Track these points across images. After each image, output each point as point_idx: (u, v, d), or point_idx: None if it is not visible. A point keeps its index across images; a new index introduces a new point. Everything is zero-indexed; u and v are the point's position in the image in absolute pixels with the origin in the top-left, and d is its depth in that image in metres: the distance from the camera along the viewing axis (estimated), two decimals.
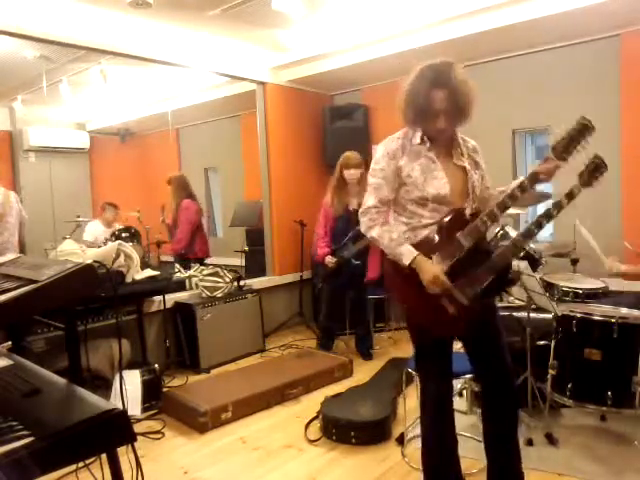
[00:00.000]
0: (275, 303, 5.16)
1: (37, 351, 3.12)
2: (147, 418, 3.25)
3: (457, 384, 3.20)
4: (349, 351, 4.40)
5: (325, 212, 4.23)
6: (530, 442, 2.64)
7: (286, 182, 5.30)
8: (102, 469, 1.33)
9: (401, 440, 2.78)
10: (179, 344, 4.21)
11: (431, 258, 1.92)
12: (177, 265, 4.73)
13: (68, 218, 5.46)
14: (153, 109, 6.51)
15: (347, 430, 2.82)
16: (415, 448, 2.60)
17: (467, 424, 2.91)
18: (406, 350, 4.21)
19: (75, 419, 1.13)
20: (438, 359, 2.05)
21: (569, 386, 2.66)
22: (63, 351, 1.82)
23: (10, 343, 1.93)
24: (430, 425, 2.09)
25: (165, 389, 3.56)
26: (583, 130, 1.86)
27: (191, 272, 4.49)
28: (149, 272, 3.73)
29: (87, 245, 4.42)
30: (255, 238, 5.70)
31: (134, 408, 3.23)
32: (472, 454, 2.55)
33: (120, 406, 1.21)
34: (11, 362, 1.51)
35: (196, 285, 4.37)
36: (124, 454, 1.24)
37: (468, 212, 1.98)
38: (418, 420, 2.17)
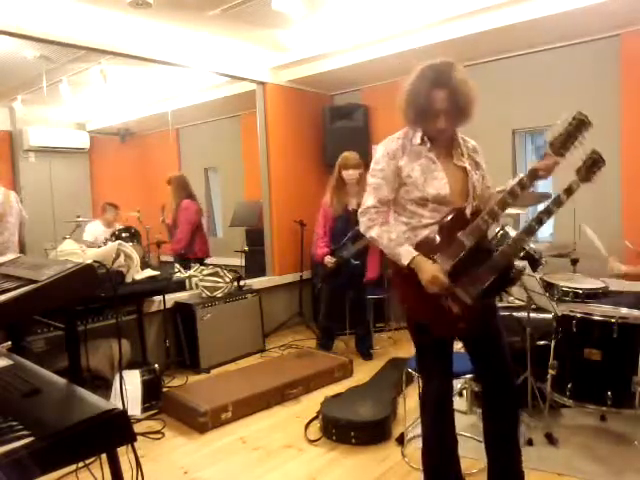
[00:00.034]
0: (275, 303, 5.16)
1: (37, 351, 3.12)
2: (147, 418, 3.25)
3: (457, 384, 3.20)
4: (349, 351, 4.40)
5: (324, 212, 4.23)
6: (530, 442, 2.64)
7: (286, 182, 5.30)
8: (102, 469, 1.33)
9: (401, 440, 2.78)
10: (179, 344, 4.21)
11: (432, 258, 1.92)
12: (177, 265, 4.73)
13: (68, 218, 5.46)
14: (153, 109, 6.51)
15: (347, 430, 2.82)
16: (415, 448, 2.60)
17: (467, 424, 2.91)
18: (406, 350, 4.22)
19: (75, 419, 1.13)
20: (439, 359, 2.05)
21: (569, 386, 2.66)
22: (63, 351, 1.82)
23: (10, 343, 1.93)
24: (430, 425, 2.09)
25: (165, 389, 3.56)
26: (580, 125, 1.86)
27: (191, 272, 4.49)
28: (149, 272, 3.73)
29: (87, 245, 4.42)
30: (255, 238, 5.70)
31: (134, 408, 3.23)
32: (472, 454, 2.55)
33: (120, 406, 1.21)
34: (11, 362, 1.51)
35: (196, 285, 4.37)
36: (124, 454, 1.24)
37: (469, 211, 1.98)
38: (418, 420, 2.18)
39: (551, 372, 2.69)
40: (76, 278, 1.45)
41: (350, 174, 4.06)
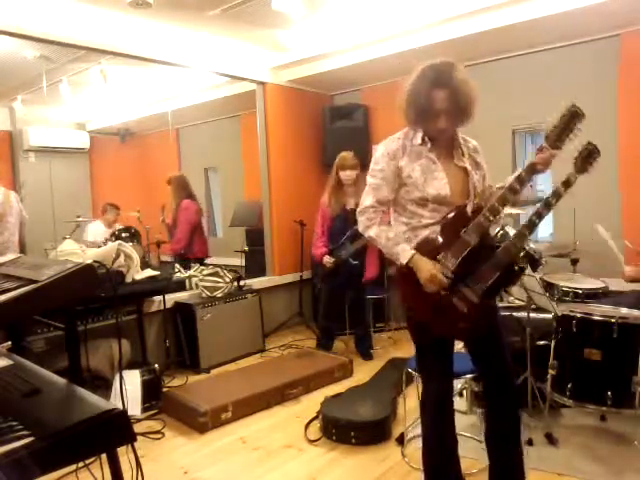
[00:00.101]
0: (275, 303, 5.16)
1: (37, 351, 3.12)
2: (147, 418, 3.25)
3: (457, 384, 3.20)
4: (349, 351, 4.40)
5: (322, 212, 4.23)
6: (530, 442, 2.64)
7: (286, 182, 5.30)
8: (102, 469, 1.33)
9: (401, 440, 2.78)
10: (179, 344, 4.21)
11: (435, 258, 1.92)
12: (177, 265, 4.73)
13: (68, 218, 5.46)
14: (153, 109, 6.51)
15: (347, 430, 2.82)
16: (415, 448, 2.61)
17: (467, 424, 2.91)
18: (406, 350, 4.22)
19: (75, 419, 1.13)
20: (439, 359, 2.05)
21: (569, 386, 2.66)
22: (63, 351, 1.82)
23: (10, 343, 1.93)
24: (430, 425, 2.09)
25: (165, 389, 3.56)
26: (573, 117, 1.87)
27: (191, 272, 4.49)
28: (149, 272, 3.73)
29: (90, 246, 4.43)
30: (255, 238, 5.70)
31: (134, 408, 3.23)
32: (472, 454, 2.55)
33: (120, 406, 1.21)
34: (11, 362, 1.51)
35: (196, 285, 4.37)
36: (124, 454, 1.24)
37: (470, 209, 1.98)
38: (418, 420, 2.18)
39: (551, 372, 2.69)
40: (76, 278, 1.45)
41: (348, 174, 4.07)
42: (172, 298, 4.21)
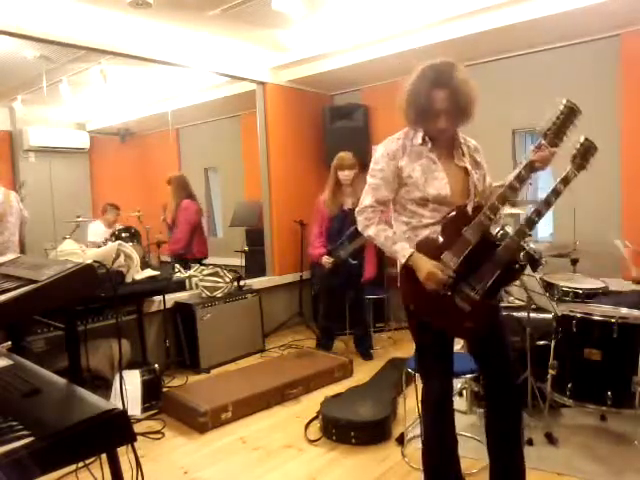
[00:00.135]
0: (275, 303, 5.16)
1: (37, 351, 3.12)
2: (147, 418, 3.25)
3: (457, 384, 3.20)
4: (349, 351, 4.40)
5: (320, 212, 4.23)
6: (530, 442, 2.64)
7: (286, 182, 5.30)
8: (102, 469, 1.33)
9: (401, 440, 2.78)
10: (179, 344, 4.21)
11: (436, 257, 1.92)
12: (177, 265, 4.73)
13: (68, 218, 5.46)
14: (153, 109, 6.51)
15: (347, 430, 2.82)
16: (415, 448, 2.60)
17: (467, 424, 2.91)
18: (406, 350, 4.22)
19: (75, 419, 1.13)
20: (439, 359, 2.05)
21: (569, 386, 2.66)
22: (63, 351, 1.82)
23: (10, 343, 1.93)
24: (430, 425, 2.09)
25: (165, 389, 3.56)
26: (570, 114, 1.88)
27: (191, 272, 4.49)
28: (149, 272, 3.73)
29: (91, 246, 4.43)
30: (255, 238, 5.70)
31: (134, 408, 3.23)
32: (472, 454, 2.55)
33: (120, 406, 1.21)
34: (11, 362, 1.51)
35: (196, 285, 4.37)
36: (124, 454, 1.24)
37: (470, 208, 1.98)
38: (418, 420, 2.17)
39: (551, 372, 2.69)
40: (76, 278, 1.45)
41: (346, 175, 4.07)
42: (172, 298, 4.21)
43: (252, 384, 3.44)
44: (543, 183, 3.75)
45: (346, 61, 4.67)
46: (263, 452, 2.81)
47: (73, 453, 1.12)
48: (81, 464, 1.29)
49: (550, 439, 2.68)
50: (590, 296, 3.11)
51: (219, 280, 4.42)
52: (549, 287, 3.11)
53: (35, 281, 1.43)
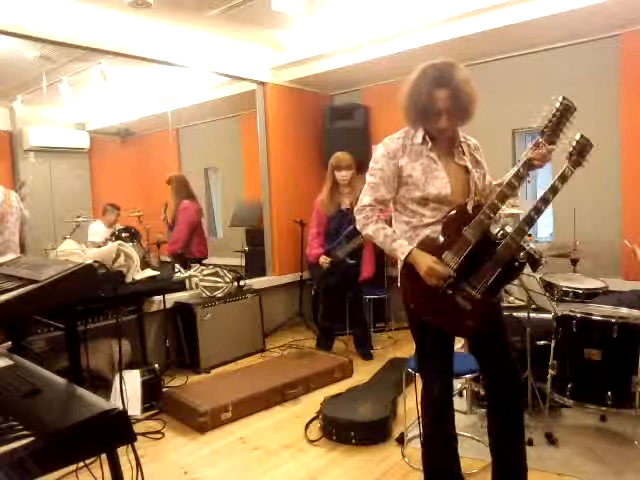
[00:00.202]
0: (275, 303, 5.16)
1: (37, 351, 3.12)
2: (147, 418, 3.24)
3: (457, 384, 3.20)
4: (349, 351, 4.40)
5: (317, 212, 4.23)
6: (530, 442, 2.64)
7: (286, 182, 5.30)
8: (102, 469, 1.33)
9: (401, 440, 2.78)
10: (179, 344, 4.21)
11: (437, 257, 1.92)
12: (177, 265, 4.73)
13: (68, 218, 5.46)
14: (153, 109, 6.51)
15: (347, 430, 2.82)
16: (415, 448, 2.60)
17: (467, 424, 2.91)
18: (406, 350, 4.22)
19: (75, 419, 1.13)
20: (439, 358, 2.06)
21: (569, 386, 2.66)
22: (63, 351, 1.82)
23: (10, 343, 1.93)
24: (430, 425, 2.09)
25: (165, 389, 3.56)
26: (566, 111, 1.89)
27: (191, 272, 4.48)
28: (149, 272, 3.73)
29: (91, 246, 4.43)
30: (255, 238, 5.70)
31: (134, 408, 3.23)
32: (472, 454, 2.55)
33: (120, 406, 1.20)
34: (11, 362, 1.51)
35: (196, 285, 4.37)
36: (124, 454, 1.24)
37: (470, 207, 1.99)
38: (418, 420, 2.17)
39: (551, 372, 2.69)
40: (76, 278, 1.46)
41: (343, 175, 4.07)
42: (172, 298, 4.20)
43: (252, 384, 3.44)
44: (543, 182, 3.76)
45: (346, 61, 4.67)
46: (263, 452, 2.81)
47: (73, 453, 1.12)
48: (81, 464, 1.29)
49: (550, 439, 2.68)
50: (590, 296, 3.12)
51: (219, 280, 4.42)
52: (549, 287, 3.11)
53: (35, 281, 1.43)
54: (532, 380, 2.79)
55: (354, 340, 4.41)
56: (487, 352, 2.10)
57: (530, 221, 1.98)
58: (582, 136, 1.99)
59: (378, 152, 2.04)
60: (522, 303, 2.96)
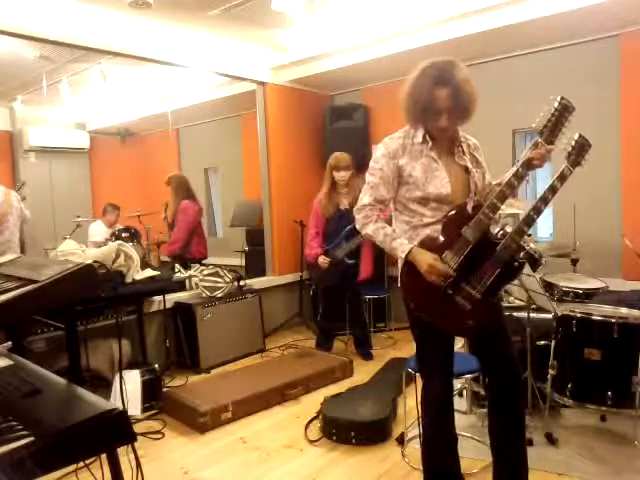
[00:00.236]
0: (275, 303, 5.16)
1: (37, 351, 3.12)
2: (147, 418, 3.24)
3: (457, 384, 3.20)
4: (349, 351, 4.40)
5: (316, 213, 4.23)
6: (530, 442, 2.63)
7: (286, 182, 5.30)
8: (102, 469, 1.33)
9: (401, 440, 2.78)
10: (179, 344, 4.21)
11: (440, 257, 1.92)
12: (177, 265, 4.73)
13: (68, 218, 5.46)
14: (153, 109, 6.51)
15: (347, 430, 2.82)
16: (415, 448, 2.60)
17: (467, 424, 2.91)
18: (406, 350, 4.22)
19: (75, 419, 1.13)
20: (440, 358, 2.06)
21: (569, 386, 2.66)
22: (63, 351, 1.82)
23: (10, 343, 1.93)
24: (431, 425, 2.09)
25: (165, 389, 3.56)
26: (564, 111, 1.90)
27: (191, 272, 4.49)
28: (149, 272, 3.73)
29: (92, 246, 4.43)
30: (255, 238, 5.71)
31: (134, 408, 3.23)
32: (472, 454, 2.55)
33: (120, 406, 1.21)
34: (11, 362, 1.51)
35: (196, 285, 4.37)
36: (124, 454, 1.24)
37: (470, 207, 1.99)
38: (418, 420, 2.17)
39: (551, 372, 2.69)
40: (76, 278, 1.46)
41: (341, 175, 4.07)
42: (172, 298, 4.20)
43: (252, 384, 3.44)
44: (543, 182, 3.75)
45: (346, 61, 4.67)
46: (263, 452, 2.81)
47: (73, 453, 1.12)
48: (81, 464, 1.29)
49: (550, 439, 2.68)
50: (590, 296, 3.11)
51: (219, 280, 4.42)
52: (549, 287, 3.11)
53: (35, 281, 1.43)
54: (532, 380, 2.79)
55: (354, 340, 4.41)
56: (488, 352, 2.09)
57: (530, 221, 1.98)
58: (580, 136, 2.00)
59: (378, 152, 2.04)
60: (522, 303, 2.96)
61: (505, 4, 3.66)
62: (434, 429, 2.09)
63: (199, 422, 3.03)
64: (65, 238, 4.13)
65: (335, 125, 5.32)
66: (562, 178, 1.97)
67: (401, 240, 1.97)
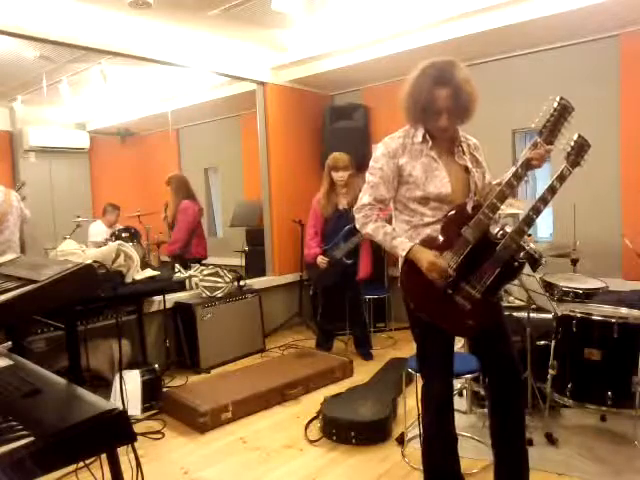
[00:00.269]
0: (275, 303, 5.16)
1: (37, 351, 3.12)
2: (147, 418, 3.24)
3: (457, 384, 3.20)
4: (349, 351, 4.40)
5: (314, 213, 4.23)
6: (530, 442, 2.63)
7: (286, 182, 5.30)
8: (102, 469, 1.33)
9: (401, 440, 2.78)
10: (179, 344, 4.21)
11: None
12: (177, 265, 4.73)
13: (68, 218, 5.46)
14: (153, 109, 6.51)
15: (347, 430, 2.82)
16: (415, 448, 2.60)
17: (467, 424, 2.91)
18: (406, 350, 4.22)
19: (75, 419, 1.13)
20: (440, 358, 2.06)
21: (569, 386, 2.66)
22: (63, 351, 1.82)
23: (10, 343, 1.93)
24: (431, 425, 2.09)
25: (165, 389, 3.56)
26: (564, 111, 1.91)
27: (191, 272, 4.49)
28: (149, 272, 3.73)
29: (92, 246, 4.43)
30: (255, 238, 5.70)
31: (134, 408, 3.23)
32: (472, 454, 2.55)
33: (120, 406, 1.21)
34: (11, 362, 1.51)
35: (196, 285, 4.37)
36: (124, 454, 1.24)
37: (470, 207, 1.99)
38: (418, 420, 2.17)
39: (551, 372, 2.69)
40: (76, 278, 1.46)
41: (340, 175, 4.07)
42: (172, 298, 4.20)
43: (252, 384, 3.44)
44: (543, 182, 3.75)
45: (346, 61, 4.67)
46: (263, 452, 2.81)
47: (73, 453, 1.12)
48: (81, 464, 1.29)
49: (550, 439, 2.68)
50: (590, 296, 3.11)
51: (219, 280, 4.42)
52: (549, 287, 3.11)
53: (35, 281, 1.43)
54: (532, 380, 2.79)
55: (354, 340, 4.41)
56: (488, 352, 2.10)
57: (529, 221, 1.98)
58: (580, 136, 2.00)
59: (378, 151, 2.04)
60: (522, 303, 2.96)
61: (505, 4, 3.66)
62: (434, 429, 2.09)
63: (199, 422, 3.03)
64: (65, 238, 4.13)
65: (335, 125, 5.32)
66: (561, 178, 1.97)
67: (401, 239, 1.97)
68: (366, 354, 4.28)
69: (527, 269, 2.69)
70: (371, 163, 2.05)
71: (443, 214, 1.98)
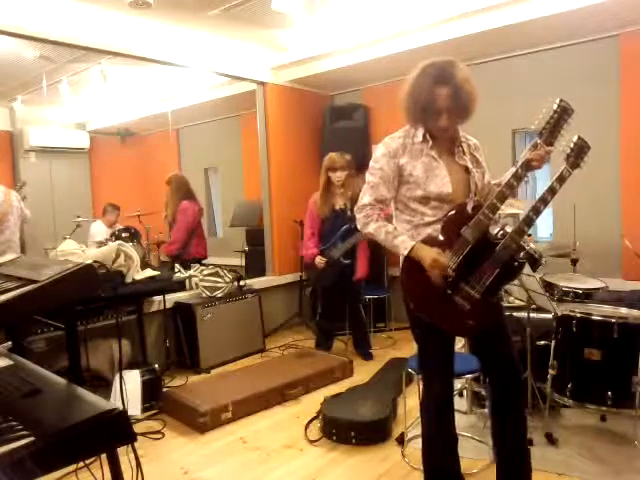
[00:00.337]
0: (275, 303, 5.16)
1: (37, 351, 3.12)
2: (147, 418, 3.24)
3: (457, 384, 3.20)
4: (349, 351, 4.40)
5: (311, 213, 4.24)
6: (530, 442, 2.63)
7: (286, 182, 5.30)
8: (102, 469, 1.33)
9: (401, 440, 2.78)
10: (179, 344, 4.21)
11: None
12: (177, 265, 4.73)
13: (68, 218, 5.46)
14: (153, 109, 6.51)
15: (347, 430, 2.82)
16: (415, 448, 2.60)
17: (467, 424, 2.91)
18: (406, 350, 4.22)
19: (75, 419, 1.13)
20: (440, 358, 2.05)
21: (569, 386, 2.66)
22: (63, 351, 1.82)
23: (10, 343, 1.93)
24: (431, 424, 2.09)
25: (165, 389, 3.56)
26: (563, 113, 1.91)
27: (191, 272, 4.49)
28: (149, 272, 3.73)
29: (92, 246, 4.43)
30: (255, 238, 5.70)
31: (134, 408, 3.23)
32: (472, 454, 2.55)
33: (120, 406, 1.21)
34: (11, 362, 1.51)
35: (196, 285, 4.37)
36: (124, 454, 1.24)
37: (470, 207, 1.99)
38: (418, 420, 2.18)
39: (551, 372, 2.69)
40: (76, 278, 1.46)
41: (337, 176, 4.07)
42: (172, 298, 4.20)
43: (252, 384, 3.44)
44: (542, 183, 3.75)
45: (346, 61, 4.67)
46: (263, 452, 2.81)
47: (73, 453, 1.12)
48: (81, 464, 1.29)
49: (550, 439, 2.68)
50: (590, 296, 3.12)
51: (219, 280, 4.42)
52: (549, 287, 3.11)
53: (35, 281, 1.43)
54: (532, 380, 2.80)
55: (353, 340, 4.41)
56: (489, 352, 2.10)
57: (529, 221, 1.98)
58: (579, 138, 2.00)
59: (378, 151, 2.04)
60: (522, 303, 2.96)
61: (505, 4, 3.66)
62: (434, 429, 2.09)
63: (199, 422, 3.03)
64: (65, 238, 4.13)
65: (335, 125, 5.32)
66: (561, 180, 1.98)
67: (403, 237, 1.97)
68: (366, 354, 4.28)
69: (527, 269, 2.69)
70: (371, 163, 2.05)
71: (443, 214, 1.98)
